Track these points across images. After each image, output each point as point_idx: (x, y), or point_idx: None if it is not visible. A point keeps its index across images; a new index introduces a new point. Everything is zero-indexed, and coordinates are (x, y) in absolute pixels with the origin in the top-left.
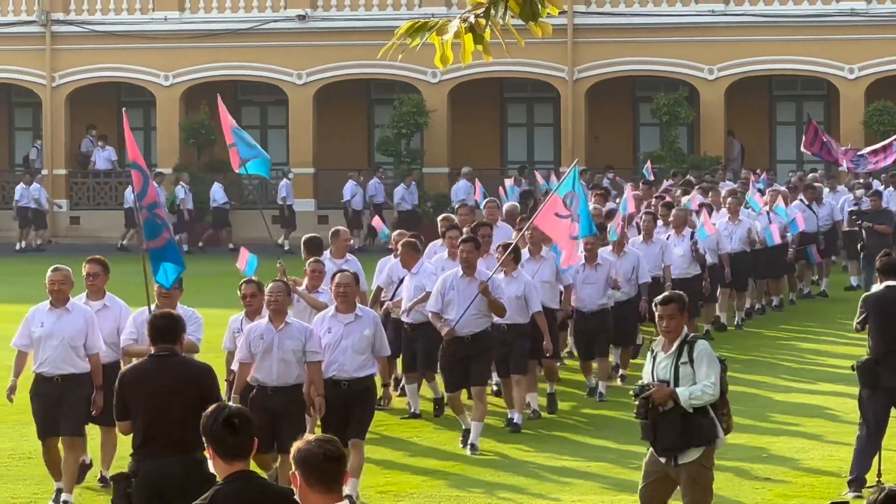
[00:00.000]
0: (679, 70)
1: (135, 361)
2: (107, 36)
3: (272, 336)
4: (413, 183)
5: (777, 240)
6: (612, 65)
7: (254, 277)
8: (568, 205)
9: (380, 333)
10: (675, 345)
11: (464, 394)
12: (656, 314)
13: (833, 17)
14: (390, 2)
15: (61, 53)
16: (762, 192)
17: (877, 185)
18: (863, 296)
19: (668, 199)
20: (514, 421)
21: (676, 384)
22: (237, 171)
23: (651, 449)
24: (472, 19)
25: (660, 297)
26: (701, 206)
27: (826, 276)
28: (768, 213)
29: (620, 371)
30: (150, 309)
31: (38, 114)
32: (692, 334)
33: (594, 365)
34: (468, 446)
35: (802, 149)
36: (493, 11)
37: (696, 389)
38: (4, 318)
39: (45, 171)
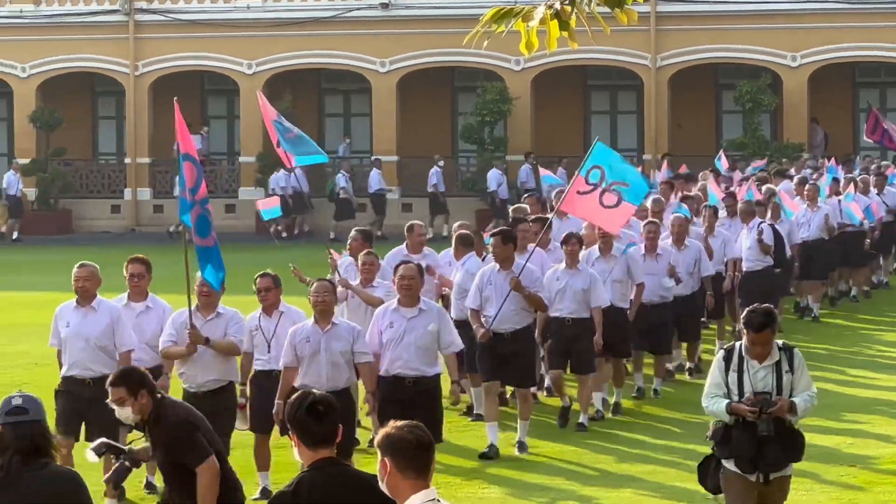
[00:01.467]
0: (762, 57)
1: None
2: (190, 24)
3: (319, 338)
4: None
5: (860, 216)
6: (694, 52)
7: (269, 271)
8: (590, 180)
9: (446, 328)
10: (774, 353)
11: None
12: (748, 339)
13: None
14: None
15: (144, 42)
16: (837, 181)
17: None
18: None
19: (734, 190)
20: (580, 422)
21: (780, 394)
22: (291, 167)
23: (733, 468)
24: (557, 6)
25: (755, 324)
26: (770, 194)
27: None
28: (838, 201)
29: (688, 365)
30: (190, 309)
31: (122, 102)
32: (784, 342)
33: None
34: (516, 445)
35: (865, 137)
36: None
37: (807, 399)
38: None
39: (127, 160)
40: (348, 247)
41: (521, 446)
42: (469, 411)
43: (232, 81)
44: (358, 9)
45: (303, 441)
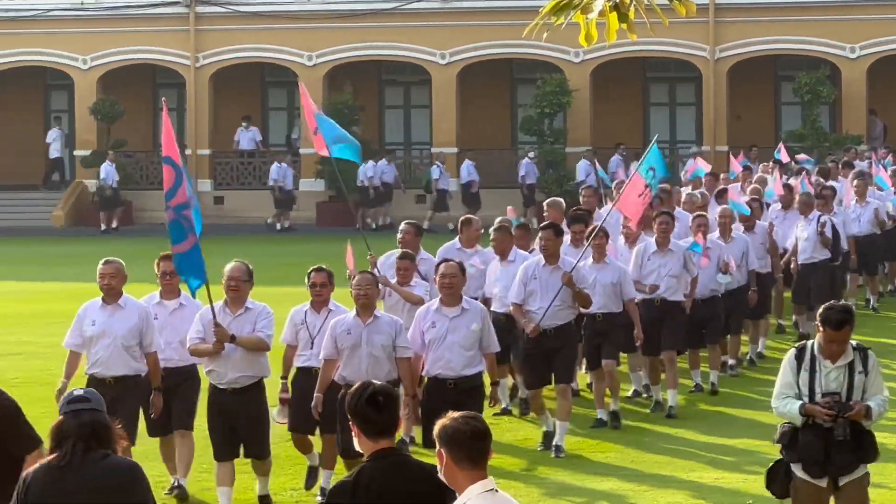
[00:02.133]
0: (820, 49)
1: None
2: (250, 16)
3: (360, 331)
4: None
5: None
6: (753, 44)
7: (324, 266)
8: (648, 182)
9: (488, 328)
10: (848, 353)
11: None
12: (824, 338)
13: None
14: None
15: (205, 34)
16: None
17: None
18: None
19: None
20: (613, 409)
21: (850, 396)
22: (322, 154)
23: (801, 474)
24: None
25: (834, 321)
26: (824, 188)
27: None
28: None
29: (730, 361)
30: (212, 306)
31: (183, 94)
32: (859, 342)
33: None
34: (553, 448)
35: None
36: None
37: (881, 403)
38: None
39: (188, 151)
40: (400, 240)
41: (558, 450)
42: (503, 412)
43: (292, 73)
44: (417, 1)
45: (363, 431)
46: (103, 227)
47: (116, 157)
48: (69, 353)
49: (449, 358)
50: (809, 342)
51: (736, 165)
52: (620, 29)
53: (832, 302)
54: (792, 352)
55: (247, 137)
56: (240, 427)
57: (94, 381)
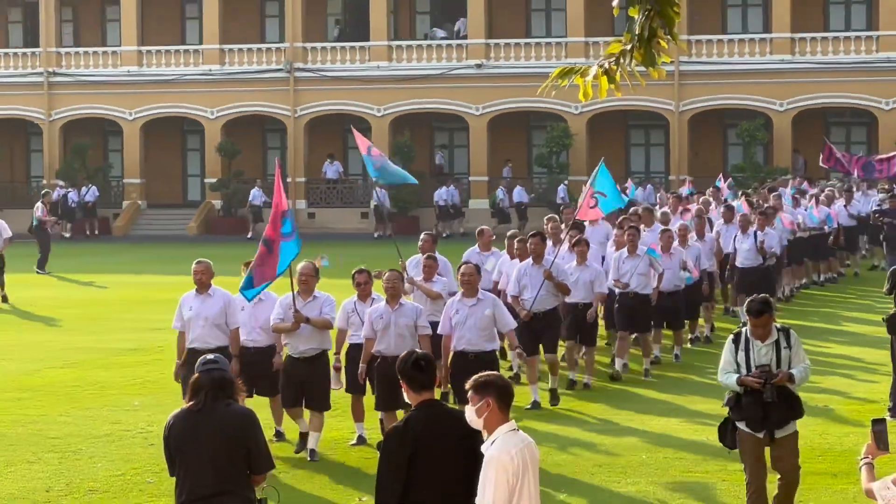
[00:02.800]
0: (757, 104)
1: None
2: (335, 79)
3: (389, 315)
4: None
5: (819, 217)
6: (707, 100)
7: (364, 267)
8: (597, 202)
9: (501, 311)
10: (774, 334)
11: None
12: (750, 323)
13: (873, 63)
14: (544, 53)
15: (301, 92)
16: (803, 195)
17: None
18: (891, 269)
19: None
20: (586, 382)
21: (779, 367)
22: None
23: (745, 429)
24: (606, 65)
25: (754, 310)
26: (763, 210)
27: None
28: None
29: (689, 336)
30: (293, 293)
31: (284, 137)
32: (783, 324)
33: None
34: (550, 396)
35: (820, 164)
36: (622, 60)
37: (802, 370)
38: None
39: (289, 179)
40: (420, 246)
41: (553, 394)
42: (516, 378)
43: (366, 121)
44: (458, 68)
45: (410, 387)
46: (250, 234)
47: (237, 184)
48: (178, 333)
49: (469, 337)
50: (744, 328)
51: (683, 191)
52: (609, 89)
53: (755, 295)
54: (731, 336)
55: (331, 170)
56: (308, 385)
57: (193, 352)
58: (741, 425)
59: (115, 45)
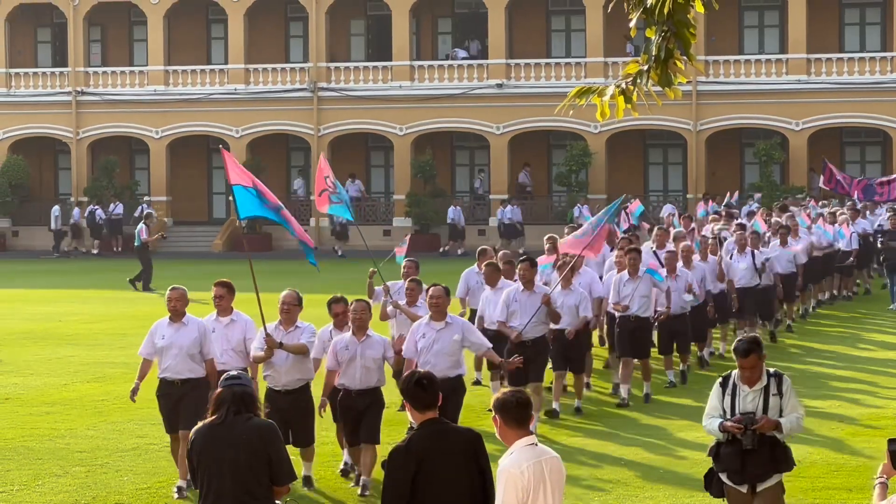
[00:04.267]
0: (774, 123)
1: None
2: (357, 99)
3: (356, 347)
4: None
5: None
6: (724, 120)
7: (340, 295)
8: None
9: (472, 333)
10: (763, 379)
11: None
12: (738, 364)
13: (888, 84)
14: (563, 73)
15: (324, 112)
16: (821, 216)
17: None
18: None
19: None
20: (577, 406)
21: (765, 415)
22: (322, 210)
23: (728, 481)
24: (623, 85)
25: (741, 350)
26: (778, 228)
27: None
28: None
29: (686, 364)
30: (263, 320)
31: (308, 156)
32: (776, 369)
33: (675, 358)
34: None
35: (821, 185)
36: (639, 80)
37: (793, 420)
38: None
39: (312, 198)
40: (403, 273)
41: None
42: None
43: (388, 140)
44: (479, 88)
45: (413, 406)
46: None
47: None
48: (142, 360)
49: (434, 362)
50: (734, 371)
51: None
52: (626, 109)
53: (742, 335)
54: (718, 380)
55: (353, 188)
56: (290, 421)
57: (164, 383)
58: (723, 476)
59: (142, 65)
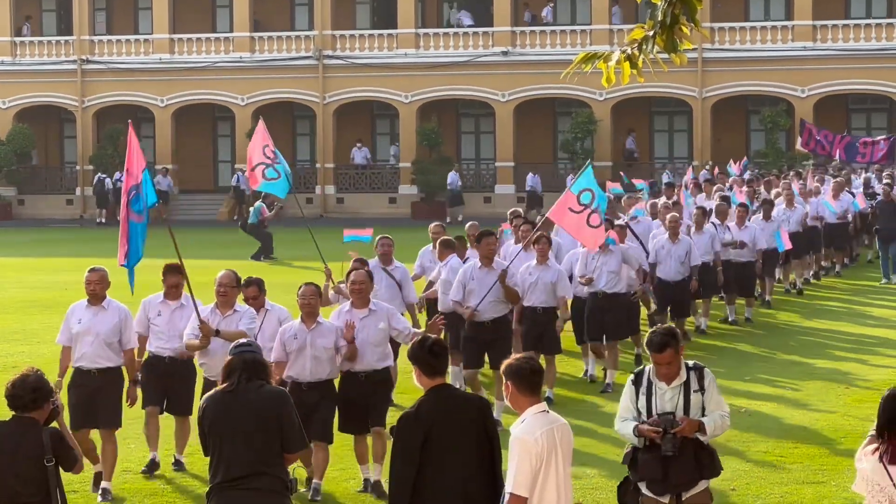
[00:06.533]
0: (779, 90)
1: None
2: (363, 66)
3: (305, 336)
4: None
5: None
6: (730, 87)
7: (313, 283)
8: (581, 201)
9: (396, 319)
10: (682, 374)
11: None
12: (652, 360)
13: (894, 50)
14: (568, 40)
15: (330, 79)
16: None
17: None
18: None
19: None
20: (548, 396)
21: (687, 414)
22: (254, 187)
23: (646, 491)
24: (629, 51)
25: (656, 343)
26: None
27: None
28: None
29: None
30: (195, 303)
31: (313, 124)
32: (695, 362)
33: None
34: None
35: (798, 147)
36: (644, 46)
37: (717, 419)
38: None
39: (318, 165)
40: (380, 251)
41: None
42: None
43: (394, 108)
44: (485, 56)
45: (423, 372)
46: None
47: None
48: (62, 348)
49: (360, 354)
50: (647, 367)
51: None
52: (632, 75)
53: (657, 326)
54: (630, 377)
55: (360, 155)
56: None
57: (79, 372)
58: (642, 486)
59: (147, 33)
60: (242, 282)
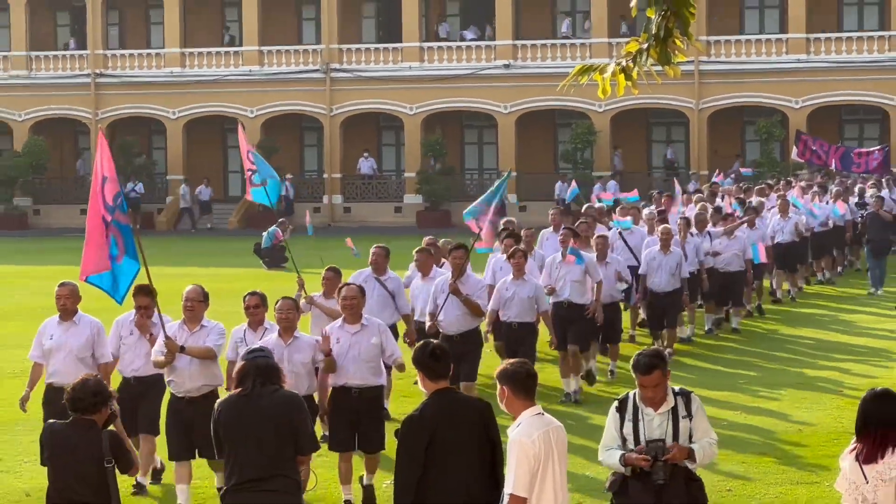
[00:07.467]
0: (773, 102)
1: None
2: (368, 80)
3: (282, 351)
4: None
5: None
6: (726, 98)
7: (258, 290)
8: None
9: (388, 340)
10: (669, 399)
11: None
12: (638, 383)
13: (885, 62)
14: (569, 53)
15: (337, 92)
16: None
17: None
18: None
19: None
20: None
21: (675, 441)
22: (248, 198)
23: None
24: (624, 63)
25: (643, 366)
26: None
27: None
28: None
29: (668, 350)
30: (162, 323)
31: (321, 135)
32: (681, 387)
33: (664, 333)
34: None
35: (794, 157)
36: (639, 58)
37: (706, 446)
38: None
39: (325, 175)
40: (371, 260)
41: None
42: None
43: (399, 120)
44: (487, 68)
45: (427, 376)
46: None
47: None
48: (33, 364)
49: (352, 370)
50: (631, 392)
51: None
52: (627, 86)
53: (644, 348)
54: (614, 404)
55: (366, 165)
56: (196, 431)
57: (52, 389)
58: None
59: (159, 48)
60: (246, 293)
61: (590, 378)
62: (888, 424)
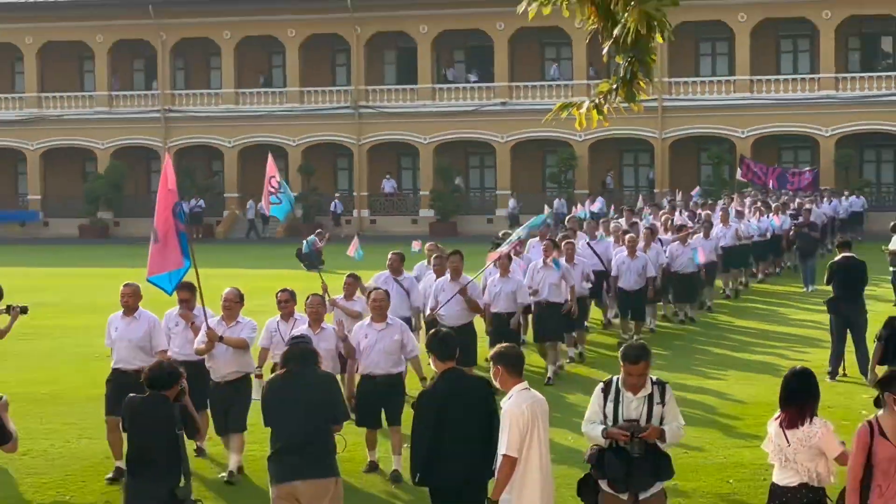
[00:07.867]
0: (724, 132)
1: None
2: (390, 115)
3: (311, 339)
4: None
5: (760, 227)
6: (684, 129)
7: (288, 287)
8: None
9: (408, 337)
10: (647, 387)
11: None
12: (624, 371)
13: (816, 99)
14: (555, 93)
15: (364, 125)
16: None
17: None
18: (829, 262)
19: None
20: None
21: (649, 423)
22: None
23: (607, 488)
24: (596, 101)
25: (631, 357)
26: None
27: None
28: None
29: (636, 337)
30: (205, 315)
31: (351, 161)
32: (658, 377)
33: (632, 324)
34: None
35: (738, 177)
36: (609, 97)
37: (675, 429)
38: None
39: (355, 193)
40: (388, 264)
41: None
42: None
43: (415, 148)
44: (487, 106)
45: (437, 357)
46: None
47: (313, 197)
48: (110, 350)
49: (377, 361)
50: (615, 377)
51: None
52: (598, 119)
53: (631, 340)
54: (599, 385)
55: (388, 185)
56: (229, 408)
57: (117, 373)
58: (603, 484)
59: (217, 88)
60: (278, 290)
61: (581, 357)
62: (805, 396)
